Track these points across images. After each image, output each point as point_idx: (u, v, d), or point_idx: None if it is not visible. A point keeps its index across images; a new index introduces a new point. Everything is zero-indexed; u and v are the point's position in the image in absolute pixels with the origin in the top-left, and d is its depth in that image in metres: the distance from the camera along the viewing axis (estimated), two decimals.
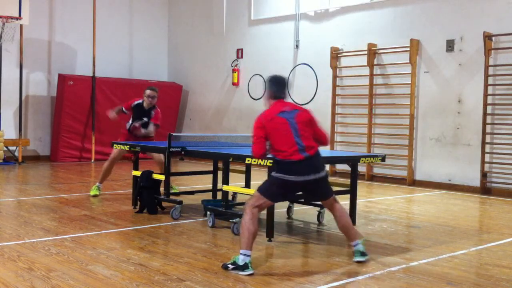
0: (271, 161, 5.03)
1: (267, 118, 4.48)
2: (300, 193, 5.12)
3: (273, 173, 4.51)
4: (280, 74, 4.81)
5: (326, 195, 4.63)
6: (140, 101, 7.97)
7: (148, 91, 7.93)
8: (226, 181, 5.80)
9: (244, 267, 4.16)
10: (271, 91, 4.65)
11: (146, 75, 14.75)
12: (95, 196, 7.72)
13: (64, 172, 10.62)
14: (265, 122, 4.47)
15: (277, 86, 4.65)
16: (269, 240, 5.22)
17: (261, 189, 4.50)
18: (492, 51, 9.08)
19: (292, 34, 12.20)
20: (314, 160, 4.44)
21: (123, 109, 8.10)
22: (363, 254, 4.58)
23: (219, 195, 6.78)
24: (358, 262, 4.54)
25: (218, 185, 6.96)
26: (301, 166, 4.37)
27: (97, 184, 7.90)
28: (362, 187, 9.23)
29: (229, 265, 4.22)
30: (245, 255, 4.19)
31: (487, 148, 9.14)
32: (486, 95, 9.08)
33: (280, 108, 4.53)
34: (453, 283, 4.07)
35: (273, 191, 4.48)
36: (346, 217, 4.64)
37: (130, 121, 7.95)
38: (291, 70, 12.20)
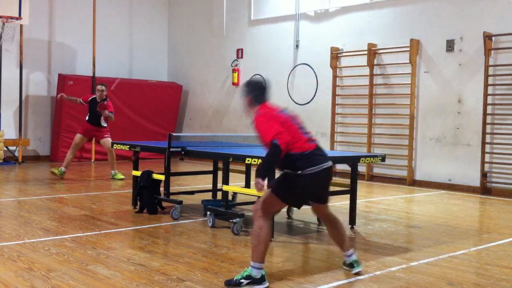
0: None
1: (273, 113, 4.22)
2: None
3: (288, 172, 4.05)
4: (256, 78, 4.55)
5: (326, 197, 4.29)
6: (94, 96, 9.84)
7: (98, 86, 9.83)
8: (226, 181, 5.80)
9: (262, 279, 3.87)
10: (254, 95, 4.43)
11: (146, 75, 14.75)
12: (53, 173, 9.51)
13: None
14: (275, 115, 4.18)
15: (260, 90, 4.48)
16: (269, 240, 5.21)
17: (276, 190, 4.06)
18: (492, 51, 9.08)
19: (292, 34, 12.20)
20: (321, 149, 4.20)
21: (81, 100, 10.00)
22: (358, 263, 4.27)
23: (219, 195, 6.79)
24: (357, 273, 4.25)
25: (218, 185, 6.96)
26: (316, 155, 4.07)
27: (62, 168, 9.58)
28: (362, 187, 9.23)
29: (243, 280, 3.83)
30: (259, 268, 3.87)
31: (487, 148, 9.14)
32: (486, 95, 9.08)
33: (275, 107, 4.31)
34: (453, 283, 4.07)
35: (290, 192, 4.03)
36: (338, 229, 4.31)
37: (88, 115, 9.79)
38: (291, 70, 12.20)
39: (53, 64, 13.17)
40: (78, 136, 9.75)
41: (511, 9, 8.93)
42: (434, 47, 9.83)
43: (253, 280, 3.85)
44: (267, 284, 3.88)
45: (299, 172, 3.99)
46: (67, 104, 12.60)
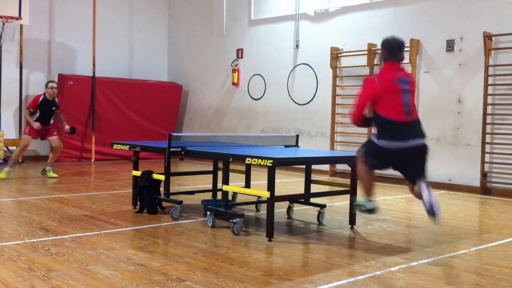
0: (271, 161, 5.05)
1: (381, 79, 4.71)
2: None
3: (374, 140, 4.77)
4: (395, 37, 4.98)
5: (420, 174, 4.78)
6: (42, 97, 9.62)
7: (50, 84, 9.69)
8: (226, 181, 5.80)
9: (372, 210, 4.88)
10: (384, 52, 4.88)
11: (146, 75, 14.76)
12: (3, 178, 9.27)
13: (64, 172, 10.62)
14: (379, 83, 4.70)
15: (389, 49, 4.88)
16: (269, 240, 5.22)
17: (363, 150, 4.87)
18: (492, 51, 9.08)
19: (292, 34, 12.20)
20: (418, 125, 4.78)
21: (31, 111, 9.59)
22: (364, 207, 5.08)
23: (219, 195, 6.79)
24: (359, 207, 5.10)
25: (218, 185, 6.96)
26: (407, 129, 4.68)
27: (8, 168, 9.49)
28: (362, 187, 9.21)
29: (361, 207, 4.91)
30: (371, 201, 4.84)
31: (487, 148, 9.14)
32: (486, 95, 9.08)
33: (394, 73, 4.74)
34: (453, 283, 4.07)
35: (373, 157, 4.79)
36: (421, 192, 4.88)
37: (37, 116, 9.55)
38: (291, 70, 12.21)
39: (53, 64, 13.17)
40: (28, 138, 9.62)
41: (511, 9, 8.93)
42: (434, 47, 9.83)
43: (367, 209, 4.95)
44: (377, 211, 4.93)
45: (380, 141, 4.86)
46: (67, 104, 12.60)
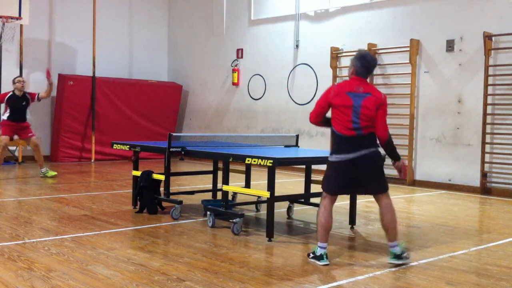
0: (271, 161, 5.05)
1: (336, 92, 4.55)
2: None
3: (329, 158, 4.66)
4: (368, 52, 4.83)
5: (378, 188, 4.65)
6: (11, 93, 9.59)
7: (17, 79, 9.68)
8: (226, 181, 5.80)
9: (320, 257, 4.49)
10: (356, 67, 4.63)
11: (146, 75, 14.76)
12: None
13: (64, 172, 10.62)
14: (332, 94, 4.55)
15: (364, 66, 4.62)
16: (269, 240, 5.22)
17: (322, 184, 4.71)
18: (492, 51, 9.08)
19: (292, 34, 12.21)
20: (364, 139, 4.53)
21: None
22: (398, 257, 4.49)
23: (219, 195, 6.78)
24: (391, 263, 4.49)
25: (218, 185, 6.96)
26: (351, 142, 4.51)
27: None
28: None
29: (310, 254, 4.61)
30: (320, 247, 4.52)
31: (487, 148, 9.14)
32: (486, 95, 9.08)
33: (351, 89, 4.53)
34: (453, 283, 4.07)
35: (330, 180, 4.64)
36: (390, 216, 4.58)
37: (8, 113, 9.52)
38: (291, 70, 12.21)
39: (53, 64, 13.16)
40: (5, 138, 9.49)
41: (511, 9, 8.93)
42: (434, 47, 9.83)
43: (314, 256, 4.56)
44: (325, 262, 4.48)
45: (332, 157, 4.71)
46: (67, 104, 12.63)
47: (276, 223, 5.55)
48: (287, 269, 4.34)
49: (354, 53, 4.76)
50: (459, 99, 9.53)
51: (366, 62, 4.61)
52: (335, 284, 4.00)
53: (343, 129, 4.51)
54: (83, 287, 3.75)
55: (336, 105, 4.51)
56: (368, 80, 4.71)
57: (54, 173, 9.73)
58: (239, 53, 13.42)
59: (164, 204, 6.68)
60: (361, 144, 4.52)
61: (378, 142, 4.63)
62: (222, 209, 5.86)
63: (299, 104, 11.96)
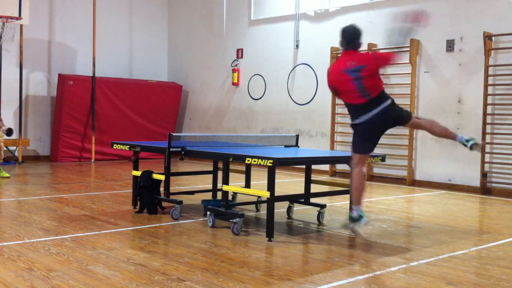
0: (271, 161, 5.05)
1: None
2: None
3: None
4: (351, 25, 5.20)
5: (405, 118, 5.21)
6: None
7: None
8: (226, 181, 5.80)
9: (359, 218, 4.90)
10: (342, 41, 5.16)
11: (146, 75, 14.76)
12: None
13: (64, 172, 10.62)
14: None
15: (346, 38, 5.14)
16: (269, 240, 5.22)
17: (353, 147, 5.19)
18: (492, 51, 9.09)
19: (292, 34, 12.21)
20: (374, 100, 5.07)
21: None
22: (468, 140, 5.19)
23: (219, 195, 6.78)
24: (466, 145, 5.18)
25: (218, 185, 6.96)
26: (365, 107, 5.06)
27: None
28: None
29: (349, 224, 5.00)
30: (356, 210, 4.91)
31: (487, 148, 9.14)
32: (486, 95, 9.08)
33: (345, 64, 5.05)
34: (453, 283, 4.07)
35: (360, 142, 5.13)
36: (437, 127, 5.26)
37: None
38: (291, 70, 12.21)
39: (53, 64, 13.17)
40: None
41: (511, 9, 8.93)
42: (434, 47, 9.83)
43: (352, 219, 5.04)
44: (365, 219, 5.01)
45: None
46: (67, 104, 12.63)
47: (276, 223, 5.55)
48: (287, 269, 4.34)
49: None
50: (459, 99, 9.53)
51: (347, 34, 5.11)
52: (335, 284, 4.00)
53: (353, 99, 5.11)
54: (83, 287, 3.75)
55: (340, 86, 5.13)
56: (360, 48, 5.18)
57: (7, 174, 9.52)
58: (239, 53, 13.42)
59: (164, 204, 6.68)
60: (373, 105, 5.05)
61: (385, 95, 5.15)
62: (222, 209, 5.86)
63: (299, 104, 11.96)
